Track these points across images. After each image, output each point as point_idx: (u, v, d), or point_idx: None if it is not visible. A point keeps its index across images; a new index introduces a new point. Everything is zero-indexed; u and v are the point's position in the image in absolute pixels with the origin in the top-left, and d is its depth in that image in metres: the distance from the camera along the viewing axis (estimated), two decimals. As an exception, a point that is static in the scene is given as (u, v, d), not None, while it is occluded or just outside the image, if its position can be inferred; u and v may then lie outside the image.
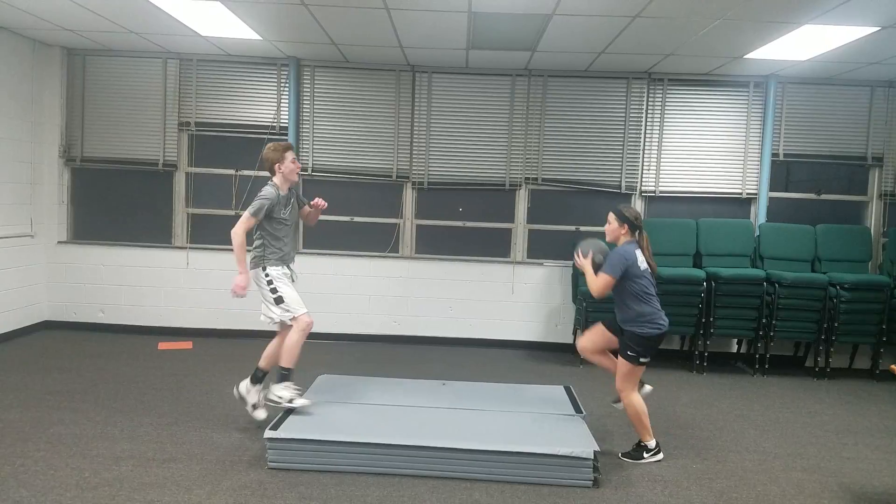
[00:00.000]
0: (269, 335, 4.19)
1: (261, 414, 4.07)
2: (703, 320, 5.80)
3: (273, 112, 6.53)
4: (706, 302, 5.76)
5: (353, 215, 6.60)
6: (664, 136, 6.48)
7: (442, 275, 6.61)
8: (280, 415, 3.82)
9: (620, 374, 3.80)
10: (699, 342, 5.92)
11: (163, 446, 3.79)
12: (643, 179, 6.50)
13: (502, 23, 4.94)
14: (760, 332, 5.80)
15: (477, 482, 3.47)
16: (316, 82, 6.54)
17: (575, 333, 6.35)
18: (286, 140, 6.40)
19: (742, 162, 6.46)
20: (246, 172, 6.57)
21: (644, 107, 6.45)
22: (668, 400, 5.05)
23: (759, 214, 6.41)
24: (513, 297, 6.61)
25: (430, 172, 6.57)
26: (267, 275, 3.94)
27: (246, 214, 3.85)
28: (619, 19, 4.77)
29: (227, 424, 4.16)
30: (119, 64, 6.53)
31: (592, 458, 3.44)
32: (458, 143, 6.56)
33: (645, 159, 6.50)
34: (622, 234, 3.82)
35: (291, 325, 3.95)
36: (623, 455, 3.86)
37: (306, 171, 6.48)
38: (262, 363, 4.11)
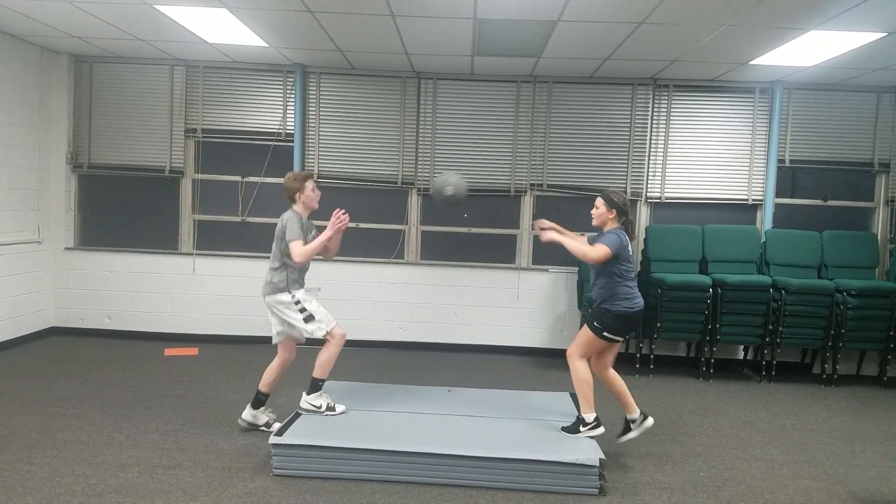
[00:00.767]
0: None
1: (277, 425, 4.06)
2: (710, 327, 5.78)
3: (279, 119, 6.55)
4: (712, 308, 5.74)
5: (358, 221, 6.60)
6: (669, 142, 6.47)
7: (447, 281, 6.61)
8: (285, 421, 3.83)
9: (578, 340, 3.87)
10: (705, 349, 5.89)
11: (168, 453, 3.80)
12: (648, 185, 6.49)
13: (507, 29, 4.95)
14: (767, 339, 5.77)
15: (482, 490, 3.46)
16: (322, 89, 6.56)
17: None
18: (291, 146, 6.47)
19: (748, 168, 6.45)
20: (252, 179, 6.59)
21: (649, 113, 6.45)
22: (674, 407, 5.03)
23: (765, 220, 6.39)
24: (518, 304, 6.60)
25: (435, 178, 6.56)
26: (297, 301, 3.97)
27: (293, 242, 3.86)
28: (624, 25, 4.77)
29: (232, 431, 4.17)
30: (126, 71, 6.57)
31: (598, 465, 3.43)
32: (464, 150, 6.56)
33: (650, 165, 6.49)
34: (610, 219, 3.83)
35: (288, 346, 4.14)
36: (563, 429, 3.85)
37: (312, 177, 6.50)
38: (263, 387, 4.16)
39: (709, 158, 6.47)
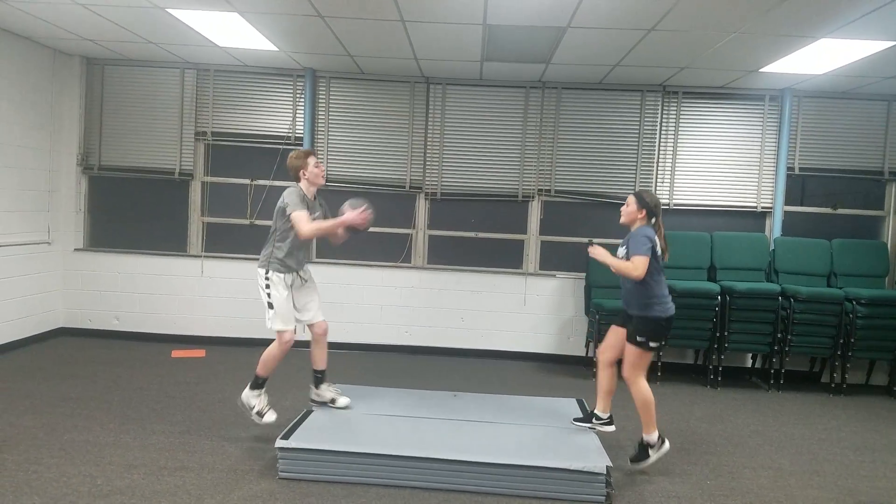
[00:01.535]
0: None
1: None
2: (718, 334, 5.75)
3: (289, 122, 6.58)
4: (721, 316, 5.72)
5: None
6: (678, 149, 6.46)
7: (454, 285, 6.61)
8: (291, 424, 3.83)
9: (628, 362, 3.77)
10: (713, 356, 5.86)
11: (175, 455, 3.81)
12: (657, 192, 6.47)
13: (517, 35, 4.96)
14: (775, 347, 5.74)
15: (487, 496, 3.45)
16: (331, 93, 6.58)
17: (588, 346, 6.32)
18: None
19: (757, 175, 6.42)
20: (261, 182, 6.62)
21: (658, 119, 6.44)
22: (681, 415, 5.01)
23: (774, 228, 6.36)
24: (525, 309, 6.59)
25: (444, 183, 6.58)
26: (267, 283, 3.97)
27: (297, 213, 3.84)
28: (633, 32, 4.77)
29: (238, 433, 4.18)
30: (137, 73, 6.62)
31: (605, 472, 3.42)
32: (472, 155, 6.57)
33: (659, 172, 6.47)
34: (639, 219, 3.82)
35: (321, 333, 4.17)
36: (631, 460, 3.81)
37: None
38: (317, 365, 4.24)
39: (718, 166, 6.45)
